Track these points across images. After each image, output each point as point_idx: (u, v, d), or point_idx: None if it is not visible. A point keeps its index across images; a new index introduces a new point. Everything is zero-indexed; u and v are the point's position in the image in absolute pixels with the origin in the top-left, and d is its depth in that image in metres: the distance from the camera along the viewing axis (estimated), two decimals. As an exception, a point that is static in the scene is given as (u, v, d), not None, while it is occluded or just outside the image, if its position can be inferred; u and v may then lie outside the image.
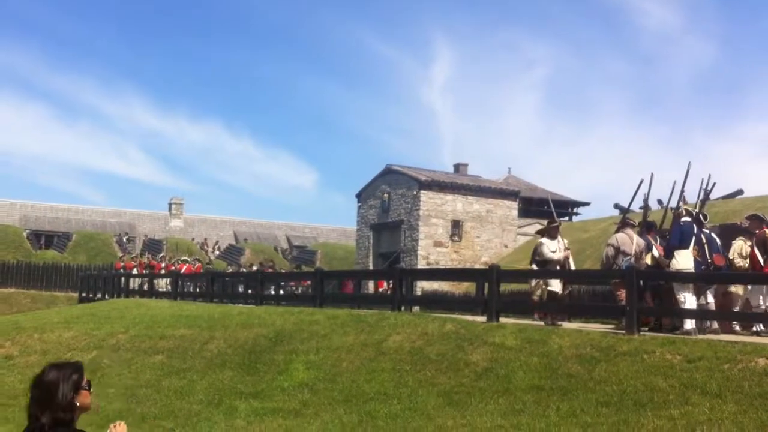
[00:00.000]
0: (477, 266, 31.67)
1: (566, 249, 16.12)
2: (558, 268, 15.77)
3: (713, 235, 14.45)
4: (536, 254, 15.96)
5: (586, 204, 50.92)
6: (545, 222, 16.52)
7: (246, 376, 14.64)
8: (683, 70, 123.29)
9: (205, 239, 55.09)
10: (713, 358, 10.99)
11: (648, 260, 14.57)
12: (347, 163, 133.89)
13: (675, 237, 13.75)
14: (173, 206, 60.02)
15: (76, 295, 34.40)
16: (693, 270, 13.57)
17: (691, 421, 9.61)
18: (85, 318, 20.90)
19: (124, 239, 50.13)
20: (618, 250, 15.00)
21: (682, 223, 14.01)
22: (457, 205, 37.22)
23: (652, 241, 14.73)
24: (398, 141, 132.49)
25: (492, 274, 15.40)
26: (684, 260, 13.68)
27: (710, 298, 13.97)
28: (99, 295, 30.86)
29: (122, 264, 35.11)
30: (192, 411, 13.63)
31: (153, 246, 47.88)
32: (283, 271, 39.20)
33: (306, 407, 12.88)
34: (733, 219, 14.59)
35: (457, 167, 42.97)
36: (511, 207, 38.77)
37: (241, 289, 26.84)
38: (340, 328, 15.69)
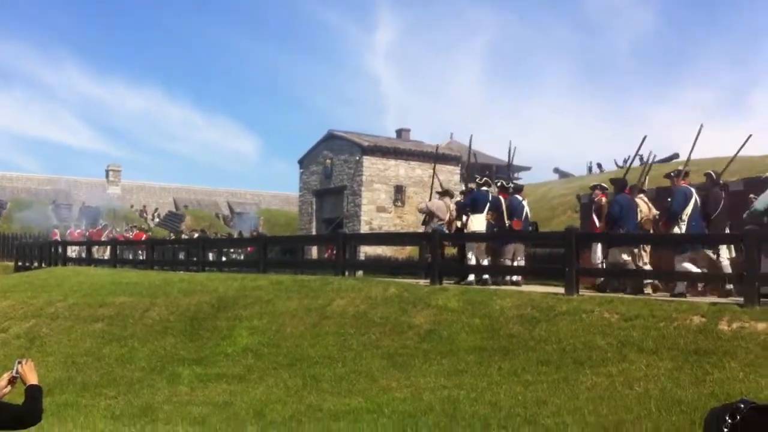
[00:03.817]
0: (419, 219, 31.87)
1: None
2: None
3: (523, 203, 16.55)
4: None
5: (527, 169, 51.58)
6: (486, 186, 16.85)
7: (189, 343, 14.54)
8: (625, 39, 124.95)
9: (144, 206, 54.24)
10: (649, 316, 11.30)
11: (458, 224, 16.97)
12: (290, 130, 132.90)
13: (614, 209, 14.48)
14: (111, 173, 58.78)
15: (11, 264, 33.62)
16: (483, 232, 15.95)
17: (628, 377, 9.89)
18: (22, 286, 20.45)
19: (61, 207, 49.05)
20: (432, 214, 17.46)
21: (478, 192, 16.47)
22: (399, 170, 37.29)
23: (642, 203, 14.91)
24: (342, 108, 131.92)
25: (435, 238, 15.52)
26: (477, 223, 16.06)
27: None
28: (36, 264, 30.23)
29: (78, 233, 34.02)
30: (134, 378, 13.50)
31: (90, 214, 46.96)
32: (225, 236, 38.87)
33: (250, 372, 12.87)
34: (667, 182, 14.98)
35: (400, 133, 42.96)
36: (453, 172, 38.99)
37: (182, 256, 26.53)
38: (284, 294, 15.66)
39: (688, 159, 15.48)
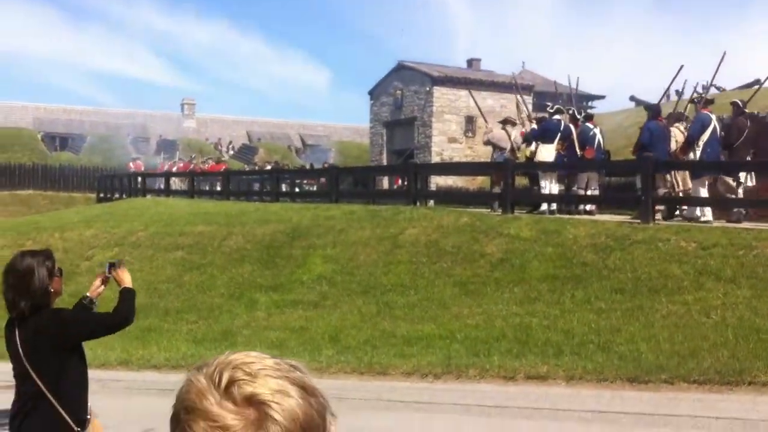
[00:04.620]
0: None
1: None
2: None
3: (595, 131, 16.05)
4: None
5: (602, 97, 50.30)
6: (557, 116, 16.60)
7: (265, 271, 14.91)
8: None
9: (219, 139, 55.02)
10: (728, 245, 11.08)
11: (527, 153, 16.64)
12: (359, 61, 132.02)
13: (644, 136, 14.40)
14: (185, 107, 59.65)
15: (93, 195, 34.67)
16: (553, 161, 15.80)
17: (705, 306, 9.79)
18: (105, 217, 21.16)
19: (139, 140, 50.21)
20: (495, 145, 17.35)
21: (549, 121, 16.18)
22: (470, 100, 36.83)
23: (678, 132, 14.69)
24: (411, 38, 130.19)
25: (507, 167, 15.40)
26: (547, 153, 15.82)
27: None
28: (117, 195, 31.13)
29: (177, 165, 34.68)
30: (214, 304, 13.97)
31: (167, 147, 47.94)
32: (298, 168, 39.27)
33: (325, 299, 13.17)
34: (750, 109, 14.67)
35: (470, 63, 42.25)
36: (526, 101, 38.37)
37: (256, 187, 26.96)
38: (356, 223, 15.84)
39: (709, 86, 15.42)
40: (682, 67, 16.21)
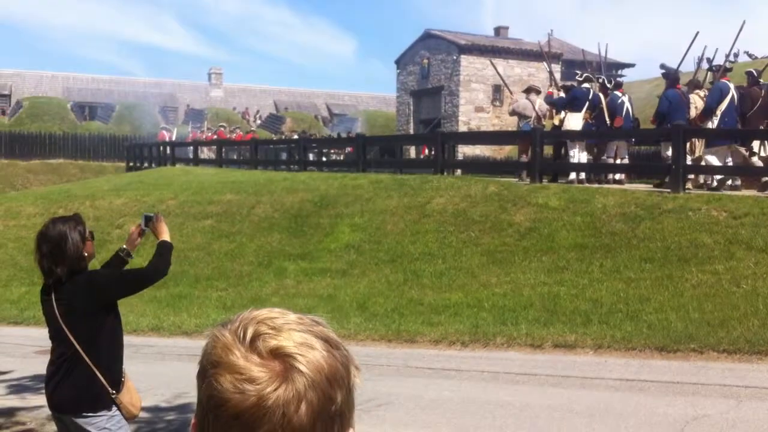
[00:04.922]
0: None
1: None
2: None
3: (624, 99, 15.79)
4: None
5: (631, 65, 49.64)
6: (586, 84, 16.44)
7: (293, 239, 15.00)
8: None
9: (246, 109, 55.11)
10: (759, 214, 10.97)
11: (556, 121, 16.61)
12: (386, 30, 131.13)
13: (663, 105, 14.48)
14: (213, 76, 59.76)
15: (123, 164, 34.97)
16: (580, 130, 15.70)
17: (735, 275, 9.71)
18: (135, 185, 21.36)
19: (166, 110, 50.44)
20: (520, 115, 17.02)
21: (577, 89, 16.01)
22: (498, 69, 36.57)
23: (698, 99, 14.56)
24: (437, 5, 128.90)
25: (535, 136, 15.30)
26: (575, 122, 15.73)
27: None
28: (146, 164, 31.38)
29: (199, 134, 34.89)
30: (243, 272, 14.10)
31: (195, 116, 48.14)
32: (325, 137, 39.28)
33: (353, 267, 13.23)
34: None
35: (498, 30, 41.83)
36: (554, 70, 37.96)
37: (284, 156, 27.04)
38: (384, 192, 15.86)
39: (730, 54, 15.39)
40: (697, 33, 16.23)
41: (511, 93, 20.01)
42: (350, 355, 1.02)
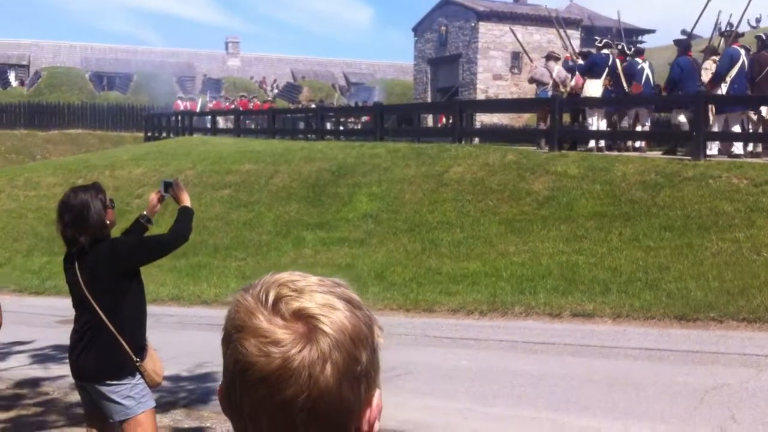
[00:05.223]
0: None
1: None
2: None
3: (644, 65, 15.48)
4: None
5: (652, 31, 48.93)
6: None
7: (311, 208, 15.03)
8: None
9: (263, 78, 54.98)
10: (781, 182, 10.85)
11: (564, 90, 16.45)
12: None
13: (674, 72, 14.40)
14: (230, 45, 59.56)
15: (141, 134, 35.05)
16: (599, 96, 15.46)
17: (756, 243, 9.64)
18: (153, 155, 21.44)
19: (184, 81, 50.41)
20: (538, 82, 16.95)
21: (596, 55, 15.89)
22: (517, 35, 36.21)
23: (713, 65, 14.41)
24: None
25: (554, 103, 15.16)
26: (594, 88, 15.52)
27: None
28: (164, 134, 31.44)
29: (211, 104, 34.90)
30: (261, 241, 14.16)
31: (212, 85, 48.10)
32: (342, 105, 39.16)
33: (371, 237, 13.25)
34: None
35: (517, -4, 41.36)
36: (573, 36, 37.51)
37: (301, 125, 26.98)
38: (402, 161, 15.82)
39: (741, 20, 15.23)
40: (709, 0, 15.90)
41: (531, 60, 19.79)
42: (372, 315, 1.03)
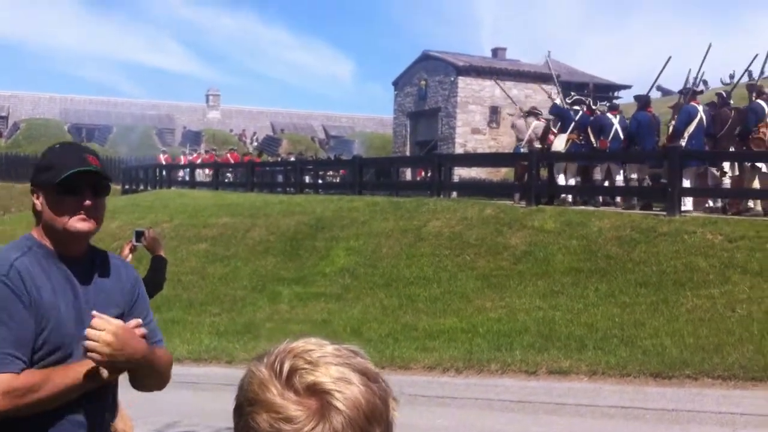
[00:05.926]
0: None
1: None
2: None
3: (614, 121, 15.77)
4: None
5: (628, 87, 49.77)
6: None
7: (288, 263, 14.94)
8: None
9: (243, 130, 55.23)
10: (755, 237, 10.94)
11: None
12: (385, 52, 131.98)
13: (632, 126, 14.86)
14: (210, 98, 59.91)
15: (119, 187, 34.94)
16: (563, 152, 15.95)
17: (731, 299, 9.67)
18: (129, 208, 21.32)
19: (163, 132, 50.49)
20: (517, 133, 17.73)
21: (564, 110, 16.52)
22: (495, 90, 36.52)
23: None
24: (435, 26, 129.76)
25: (532, 158, 15.30)
26: (559, 143, 16.10)
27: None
28: (141, 187, 31.36)
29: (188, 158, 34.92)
30: (237, 296, 14.02)
31: (191, 138, 48.23)
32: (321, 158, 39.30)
33: (347, 292, 13.17)
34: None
35: (495, 52, 42.01)
36: (552, 92, 38.08)
37: (280, 178, 27.04)
38: (380, 215, 15.83)
39: (698, 78, 15.87)
40: (669, 59, 16.41)
41: (520, 110, 19.92)
42: (389, 387, 1.01)
